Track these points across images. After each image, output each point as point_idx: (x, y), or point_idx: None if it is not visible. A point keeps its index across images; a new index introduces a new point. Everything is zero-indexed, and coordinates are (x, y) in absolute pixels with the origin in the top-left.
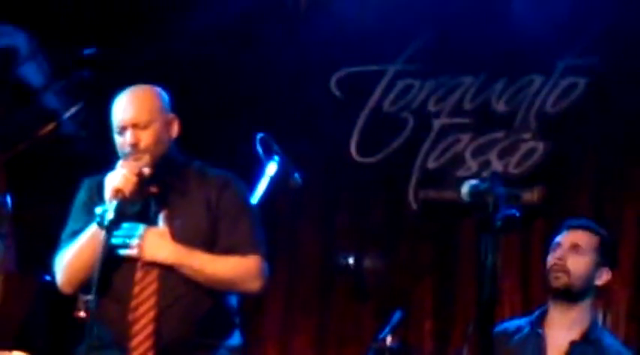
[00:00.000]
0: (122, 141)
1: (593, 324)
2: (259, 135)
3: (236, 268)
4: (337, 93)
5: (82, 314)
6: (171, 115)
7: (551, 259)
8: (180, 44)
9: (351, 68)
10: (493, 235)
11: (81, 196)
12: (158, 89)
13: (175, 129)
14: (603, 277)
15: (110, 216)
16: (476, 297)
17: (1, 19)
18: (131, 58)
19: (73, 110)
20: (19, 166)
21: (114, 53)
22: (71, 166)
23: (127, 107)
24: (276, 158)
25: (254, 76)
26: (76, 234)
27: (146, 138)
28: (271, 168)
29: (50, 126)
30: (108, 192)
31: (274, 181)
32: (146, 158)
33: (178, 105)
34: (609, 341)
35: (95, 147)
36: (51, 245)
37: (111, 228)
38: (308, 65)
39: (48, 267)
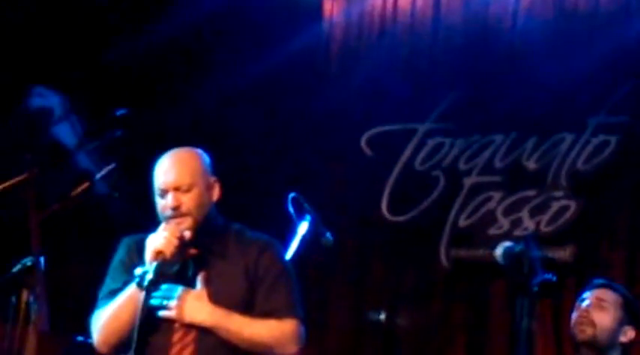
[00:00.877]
0: (164, 203)
1: None
2: (291, 195)
3: (273, 332)
4: (368, 151)
5: None
6: (213, 178)
7: (576, 313)
8: (211, 105)
9: (382, 127)
10: (529, 299)
11: (119, 255)
12: (200, 152)
13: (217, 193)
14: (628, 334)
15: (150, 277)
16: None
17: (36, 81)
18: (163, 119)
19: (105, 170)
20: (53, 226)
21: (146, 114)
22: (104, 226)
23: (169, 170)
24: (308, 217)
25: (285, 135)
26: (113, 293)
27: (188, 201)
28: (303, 228)
29: (83, 187)
30: (149, 254)
31: (306, 240)
32: (188, 221)
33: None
34: None
35: (127, 207)
36: (84, 304)
37: (150, 289)
38: (339, 124)
39: (81, 327)
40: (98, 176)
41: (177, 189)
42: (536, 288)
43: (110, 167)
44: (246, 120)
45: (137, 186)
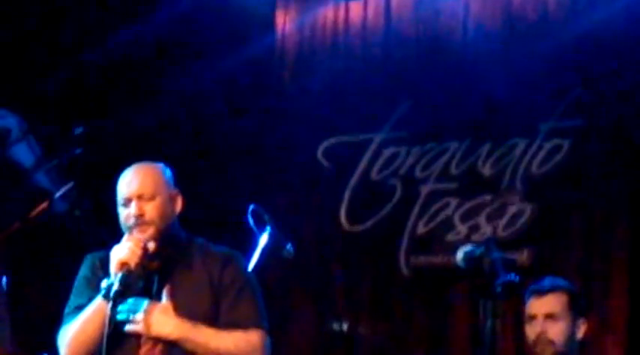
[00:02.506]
0: (127, 213)
1: None
2: (251, 207)
3: (239, 343)
4: (325, 163)
5: None
6: (175, 191)
7: (531, 334)
8: (164, 120)
9: (338, 138)
10: (493, 300)
11: (83, 271)
12: (162, 165)
13: (179, 205)
14: (582, 329)
15: (116, 287)
16: None
17: None
18: (120, 134)
19: (64, 189)
20: (13, 246)
21: (103, 131)
22: (65, 245)
23: (132, 180)
24: (268, 229)
25: (241, 148)
26: (79, 308)
27: (151, 209)
28: (263, 240)
29: (42, 206)
30: (113, 265)
31: (267, 252)
32: (152, 230)
33: None
34: None
35: (89, 225)
36: (48, 322)
37: (116, 299)
38: (295, 137)
39: (45, 345)
40: (57, 195)
41: (140, 197)
42: (499, 289)
43: (69, 185)
44: (200, 135)
45: (97, 204)
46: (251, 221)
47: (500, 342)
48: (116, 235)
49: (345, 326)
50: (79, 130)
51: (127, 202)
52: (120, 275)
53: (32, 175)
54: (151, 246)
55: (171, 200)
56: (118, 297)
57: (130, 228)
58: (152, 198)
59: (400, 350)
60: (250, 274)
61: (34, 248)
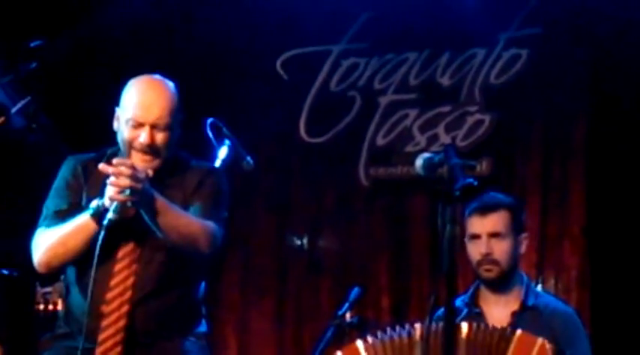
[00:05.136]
0: (134, 135)
1: (527, 290)
2: (209, 120)
3: (205, 226)
4: (284, 75)
5: (41, 306)
6: (182, 116)
7: (475, 254)
8: (124, 33)
9: (296, 50)
10: (451, 206)
11: (64, 174)
12: (174, 88)
13: (180, 129)
14: (524, 244)
15: (111, 216)
16: (430, 270)
17: None
18: (75, 47)
19: (21, 103)
20: None
21: (59, 43)
22: (23, 160)
23: (151, 105)
24: (227, 142)
25: (200, 62)
26: (60, 214)
27: (161, 140)
28: (223, 153)
29: None
30: (111, 191)
31: (226, 165)
32: (157, 162)
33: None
34: (545, 300)
35: (47, 139)
36: (8, 239)
37: (109, 227)
38: (253, 49)
39: (7, 261)
40: (14, 110)
41: (154, 126)
42: (458, 193)
43: (26, 100)
44: (161, 47)
45: (55, 117)
46: (210, 134)
47: (459, 248)
48: (75, 150)
49: (305, 240)
50: (35, 43)
51: (138, 125)
52: (116, 204)
53: None
54: (150, 173)
55: (180, 127)
56: (111, 225)
57: (134, 149)
58: (166, 128)
59: (361, 261)
60: (225, 188)
61: None
